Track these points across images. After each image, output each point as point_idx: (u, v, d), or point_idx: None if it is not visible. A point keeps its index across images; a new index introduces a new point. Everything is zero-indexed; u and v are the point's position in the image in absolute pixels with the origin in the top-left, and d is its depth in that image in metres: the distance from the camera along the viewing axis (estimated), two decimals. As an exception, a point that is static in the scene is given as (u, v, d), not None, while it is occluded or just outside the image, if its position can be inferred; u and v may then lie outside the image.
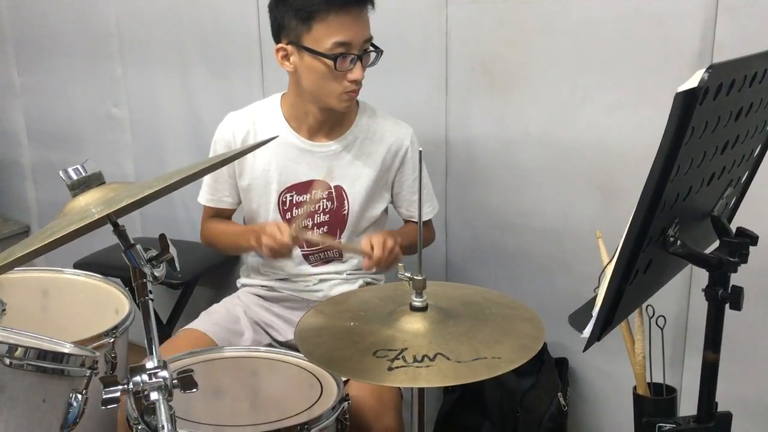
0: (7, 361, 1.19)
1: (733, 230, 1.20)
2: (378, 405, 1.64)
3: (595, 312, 1.11)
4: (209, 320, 1.85)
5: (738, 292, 1.16)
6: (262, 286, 1.96)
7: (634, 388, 1.63)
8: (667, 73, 1.80)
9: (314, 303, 1.76)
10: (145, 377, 1.03)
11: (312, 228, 1.86)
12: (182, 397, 1.06)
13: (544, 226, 2.09)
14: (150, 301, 1.10)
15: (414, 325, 1.32)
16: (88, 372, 1.30)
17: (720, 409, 1.26)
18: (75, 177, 1.13)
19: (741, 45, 1.67)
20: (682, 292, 1.90)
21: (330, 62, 1.67)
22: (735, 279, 1.16)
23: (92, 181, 1.14)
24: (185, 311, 2.65)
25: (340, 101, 1.74)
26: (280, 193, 1.84)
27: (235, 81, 2.55)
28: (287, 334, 1.88)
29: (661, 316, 1.60)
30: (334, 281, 1.92)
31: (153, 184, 1.08)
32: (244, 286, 2.01)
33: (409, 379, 1.19)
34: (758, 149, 1.30)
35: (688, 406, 1.82)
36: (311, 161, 1.83)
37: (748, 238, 1.17)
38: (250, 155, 1.83)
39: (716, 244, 1.20)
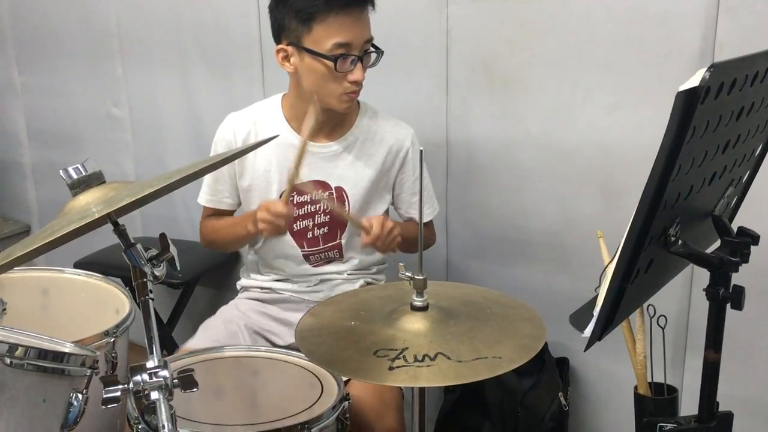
0: (8, 360, 1.19)
1: (735, 230, 1.20)
2: (379, 405, 1.64)
3: (596, 311, 1.11)
4: (207, 337, 1.84)
5: (739, 291, 1.16)
6: (261, 288, 1.96)
7: (635, 387, 1.63)
8: (668, 72, 1.80)
9: (315, 304, 1.76)
10: (145, 376, 1.03)
11: (313, 228, 1.86)
12: (183, 396, 1.06)
13: (544, 226, 2.09)
14: (150, 301, 1.10)
15: (415, 324, 1.32)
16: (89, 371, 1.30)
17: (721, 408, 1.26)
18: (75, 176, 1.13)
19: (742, 44, 1.67)
20: (683, 292, 1.90)
21: (330, 63, 1.66)
22: (736, 278, 1.16)
23: (92, 180, 1.14)
24: (186, 311, 2.65)
25: (340, 102, 1.74)
26: (281, 194, 1.84)
27: (236, 81, 2.55)
28: (287, 337, 1.87)
29: (662, 315, 1.60)
30: (335, 281, 1.92)
31: (153, 183, 1.08)
32: (243, 288, 2.01)
33: (410, 378, 1.19)
34: (759, 149, 1.30)
35: (689, 405, 1.81)
36: (312, 162, 1.82)
37: (749, 238, 1.17)
38: (250, 156, 1.83)
39: (717, 243, 1.20)
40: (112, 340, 1.58)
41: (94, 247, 2.55)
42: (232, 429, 1.38)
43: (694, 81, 0.90)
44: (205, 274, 2.63)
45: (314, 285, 1.91)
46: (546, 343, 1.99)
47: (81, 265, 2.41)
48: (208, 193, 1.92)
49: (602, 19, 1.87)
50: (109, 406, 1.03)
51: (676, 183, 1.00)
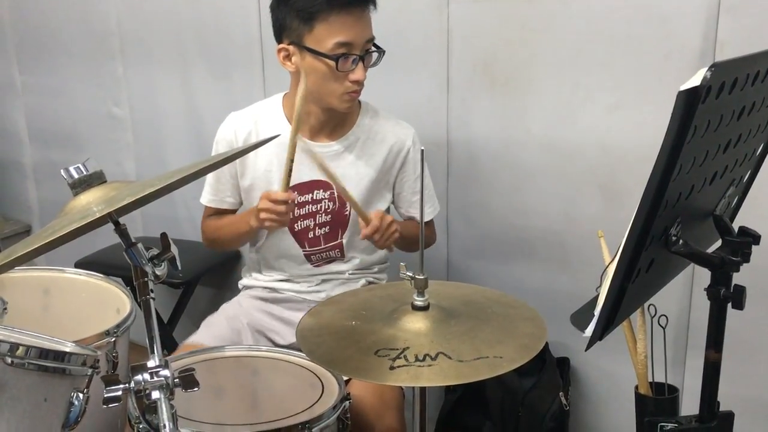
0: (9, 360, 1.19)
1: (736, 229, 1.20)
2: (379, 404, 1.64)
3: (596, 311, 1.11)
4: (210, 333, 1.84)
5: (740, 291, 1.16)
6: (263, 287, 1.96)
7: (636, 387, 1.63)
8: (668, 72, 1.80)
9: (316, 303, 1.76)
10: (146, 376, 1.03)
11: (314, 228, 1.86)
12: (184, 396, 1.06)
13: (545, 226, 2.09)
14: (151, 300, 1.10)
15: (416, 324, 1.32)
16: (90, 371, 1.30)
17: (722, 408, 1.26)
18: (76, 176, 1.13)
19: (743, 44, 1.67)
20: (684, 292, 1.90)
21: (332, 63, 1.66)
22: (737, 278, 1.16)
23: (93, 180, 1.14)
24: (186, 311, 2.65)
25: (341, 102, 1.74)
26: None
27: (236, 81, 2.55)
28: (289, 337, 1.87)
29: (663, 315, 1.60)
30: (337, 281, 1.92)
31: (154, 182, 1.08)
32: (245, 287, 2.01)
33: (411, 378, 1.19)
34: (760, 148, 1.30)
35: (690, 405, 1.81)
36: (313, 161, 1.82)
37: (750, 237, 1.17)
38: (251, 155, 1.83)
39: (718, 243, 1.20)
40: (113, 339, 1.58)
41: (95, 247, 2.56)
42: (232, 428, 1.38)
43: (695, 80, 0.90)
44: (206, 273, 2.63)
45: (316, 285, 1.91)
46: (547, 343, 1.99)
47: (82, 264, 2.42)
48: (210, 193, 1.92)
49: (603, 18, 1.87)
50: (110, 405, 1.03)
51: (677, 182, 1.00)
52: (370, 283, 1.94)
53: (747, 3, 1.69)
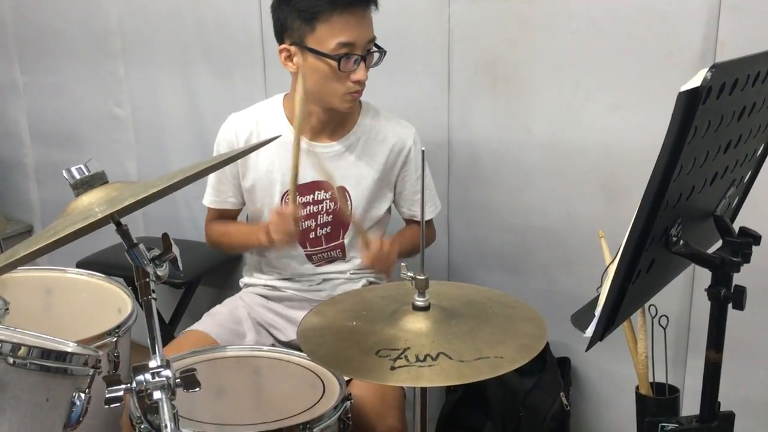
0: (11, 360, 1.19)
1: (736, 230, 1.20)
2: (380, 404, 1.64)
3: (597, 311, 1.11)
4: (212, 321, 1.86)
5: (741, 291, 1.16)
6: (265, 285, 1.96)
7: (637, 387, 1.63)
8: (669, 72, 1.80)
9: (317, 303, 1.76)
10: (148, 376, 1.03)
11: (315, 228, 1.86)
12: (185, 396, 1.06)
13: (546, 226, 2.09)
14: (153, 301, 1.10)
15: (416, 324, 1.33)
16: (91, 371, 1.30)
17: (723, 408, 1.26)
18: (78, 176, 1.13)
19: (743, 44, 1.67)
20: (685, 292, 1.90)
21: (333, 63, 1.66)
22: (738, 278, 1.16)
23: (95, 180, 1.14)
24: (188, 311, 2.66)
25: (343, 102, 1.74)
26: (284, 194, 1.84)
27: (238, 81, 2.55)
28: (290, 333, 1.88)
29: (663, 315, 1.60)
30: (338, 281, 1.92)
31: (156, 183, 1.08)
32: (247, 285, 2.02)
33: (412, 378, 1.19)
34: (761, 149, 1.30)
35: (690, 405, 1.82)
36: (314, 162, 1.83)
37: (750, 238, 1.17)
38: (253, 156, 1.83)
39: (719, 243, 1.20)
40: (115, 339, 1.59)
41: (96, 247, 2.56)
42: (234, 428, 1.38)
43: (695, 81, 0.90)
44: (207, 273, 2.63)
45: (317, 284, 1.91)
46: (547, 343, 2.00)
47: (83, 264, 2.41)
48: (212, 194, 1.93)
49: (603, 18, 1.87)
50: (111, 405, 1.03)
51: (677, 183, 1.00)
52: (371, 283, 1.94)
53: (748, 3, 1.69)
